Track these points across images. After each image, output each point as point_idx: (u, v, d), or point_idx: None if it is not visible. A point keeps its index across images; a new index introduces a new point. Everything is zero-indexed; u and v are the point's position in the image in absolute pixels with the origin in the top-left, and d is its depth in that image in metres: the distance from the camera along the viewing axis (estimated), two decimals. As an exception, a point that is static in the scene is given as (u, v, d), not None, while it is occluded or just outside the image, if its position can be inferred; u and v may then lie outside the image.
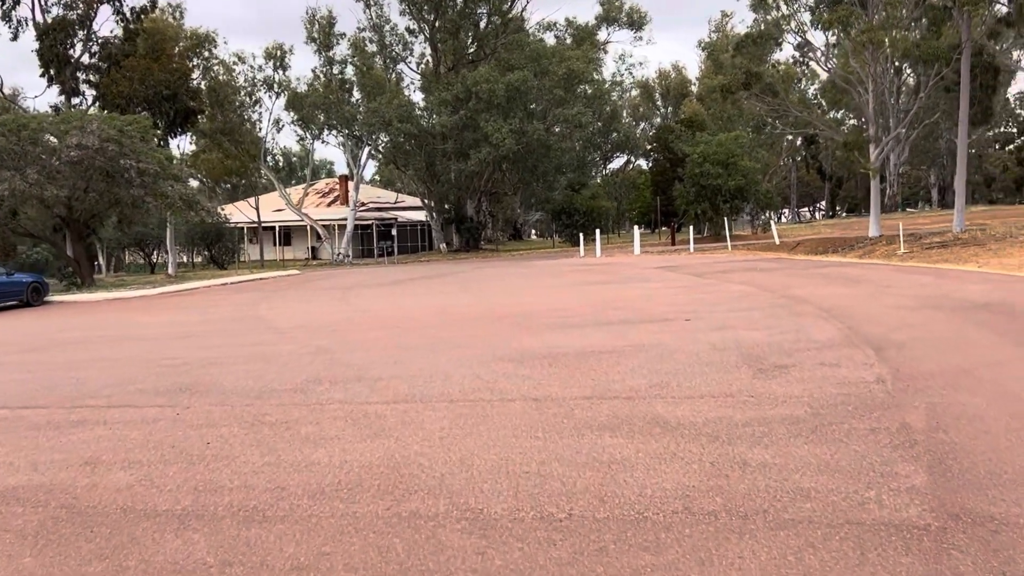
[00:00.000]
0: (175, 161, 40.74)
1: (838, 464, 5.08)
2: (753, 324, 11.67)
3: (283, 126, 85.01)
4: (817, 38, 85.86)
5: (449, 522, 4.54)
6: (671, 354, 9.49)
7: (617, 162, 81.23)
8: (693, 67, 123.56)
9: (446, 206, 56.09)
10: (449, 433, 6.45)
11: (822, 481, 4.79)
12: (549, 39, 58.01)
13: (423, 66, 58.11)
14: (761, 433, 5.92)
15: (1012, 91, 79.43)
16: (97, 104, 43.27)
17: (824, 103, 73.84)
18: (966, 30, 30.40)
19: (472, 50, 55.34)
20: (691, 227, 43.79)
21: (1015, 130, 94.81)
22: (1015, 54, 48.95)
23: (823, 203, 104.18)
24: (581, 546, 4.10)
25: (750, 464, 5.20)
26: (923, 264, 22.84)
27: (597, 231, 40.46)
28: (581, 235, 41.82)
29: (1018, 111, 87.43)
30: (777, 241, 39.37)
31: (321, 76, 55.75)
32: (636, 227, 42.17)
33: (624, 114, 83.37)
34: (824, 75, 68.31)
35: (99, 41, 42.81)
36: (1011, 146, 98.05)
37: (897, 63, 47.04)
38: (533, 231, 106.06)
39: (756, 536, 4.07)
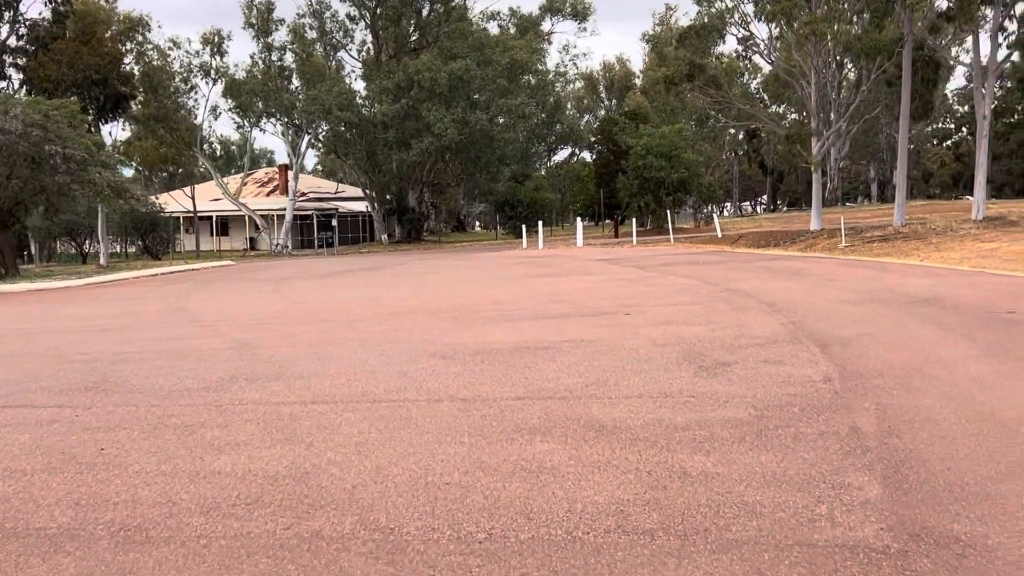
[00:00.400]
0: (105, 148, 39.48)
1: (785, 474, 4.67)
2: (695, 319, 11.31)
3: (220, 113, 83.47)
4: (760, 30, 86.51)
5: (355, 544, 4.03)
6: (610, 350, 9.06)
7: (562, 154, 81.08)
8: (637, 60, 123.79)
9: (388, 197, 55.31)
10: (367, 438, 5.93)
11: (768, 494, 4.36)
12: (493, 29, 57.47)
13: (364, 54, 57.21)
14: (703, 438, 5.49)
15: (950, 87, 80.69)
16: (24, 88, 41.77)
17: (766, 97, 74.32)
18: (908, 24, 30.48)
19: (414, 38, 54.61)
20: (634, 220, 43.60)
21: (952, 126, 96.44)
22: (953, 50, 49.54)
23: (764, 197, 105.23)
24: (499, 574, 3.62)
25: (690, 474, 4.76)
26: (865, 258, 22.78)
27: (540, 223, 40.08)
28: (524, 227, 41.37)
29: (955, 107, 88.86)
30: (719, 234, 39.32)
31: (260, 63, 54.67)
32: (579, 219, 41.85)
33: (568, 106, 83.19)
34: (767, 69, 68.65)
35: (27, 23, 41.37)
36: (948, 142, 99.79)
37: (839, 58, 47.32)
38: (477, 223, 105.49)
39: (696, 561, 3.63)
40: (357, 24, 54.26)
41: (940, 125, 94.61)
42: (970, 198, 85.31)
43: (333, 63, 56.45)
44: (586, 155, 75.07)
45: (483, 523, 4.19)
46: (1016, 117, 72.83)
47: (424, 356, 9.23)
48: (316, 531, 4.21)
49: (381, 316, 13.64)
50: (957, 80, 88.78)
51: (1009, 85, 61.15)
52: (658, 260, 24.99)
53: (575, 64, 71.08)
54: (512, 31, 58.01)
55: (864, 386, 6.73)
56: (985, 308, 10.86)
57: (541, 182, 60.79)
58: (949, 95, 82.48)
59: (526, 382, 7.56)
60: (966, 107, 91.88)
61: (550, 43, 61.24)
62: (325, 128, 53.64)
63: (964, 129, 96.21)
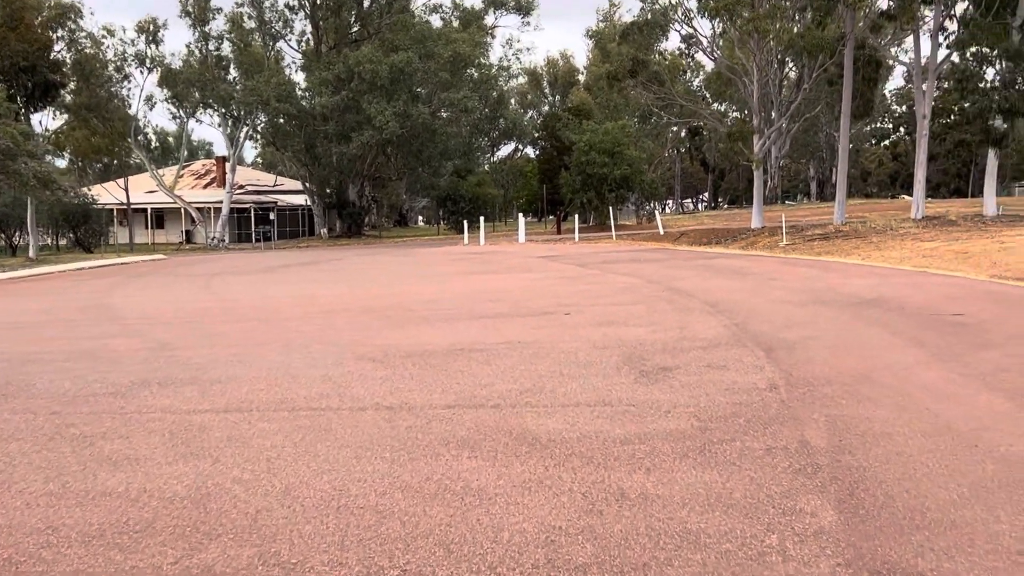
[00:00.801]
0: (33, 137, 38.14)
1: (731, 496, 4.28)
2: (636, 319, 10.96)
3: (155, 103, 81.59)
4: (703, 26, 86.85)
5: (250, 583, 3.56)
6: (547, 353, 8.66)
7: (505, 149, 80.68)
8: (581, 56, 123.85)
9: (328, 190, 54.38)
10: (280, 453, 5.44)
11: (713, 521, 3.97)
12: (436, 21, 56.74)
13: (304, 45, 56.18)
14: (643, 453, 5.09)
15: (889, 87, 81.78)
16: (-53, 75, 40.19)
17: (708, 96, 74.65)
18: (850, 22, 30.56)
19: (356, 29, 53.71)
20: (576, 216, 43.33)
21: (890, 125, 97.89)
22: (893, 50, 50.07)
23: (706, 194, 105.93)
24: (411, 622, 3.17)
25: (629, 496, 4.36)
26: (806, 256, 22.70)
27: (481, 218, 39.58)
28: (465, 223, 40.87)
29: (894, 107, 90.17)
30: (661, 231, 39.23)
31: (196, 52, 53.28)
32: (520, 215, 41.46)
33: (512, 101, 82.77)
34: (710, 67, 68.85)
35: (-51, 7, 39.78)
36: (886, 141, 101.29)
37: (780, 56, 47.53)
38: (420, 218, 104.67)
39: (634, 604, 3.22)
40: (297, 14, 53.25)
41: (878, 125, 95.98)
42: (906, 197, 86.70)
43: (272, 54, 55.28)
44: (530, 151, 74.80)
45: (397, 556, 3.73)
46: (952, 118, 73.91)
47: (352, 359, 8.74)
48: (207, 566, 3.72)
49: (312, 315, 13.09)
50: (896, 80, 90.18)
51: (946, 86, 62.02)
52: (600, 258, 24.69)
53: (518, 59, 70.59)
54: (455, 24, 57.38)
55: (812, 395, 6.40)
56: (931, 310, 10.66)
57: (484, 177, 60.27)
58: (888, 95, 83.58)
59: (458, 388, 7.12)
60: (904, 107, 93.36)
61: (493, 37, 60.75)
62: (263, 119, 52.52)
63: (902, 129, 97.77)
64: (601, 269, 19.84)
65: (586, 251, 28.96)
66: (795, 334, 9.21)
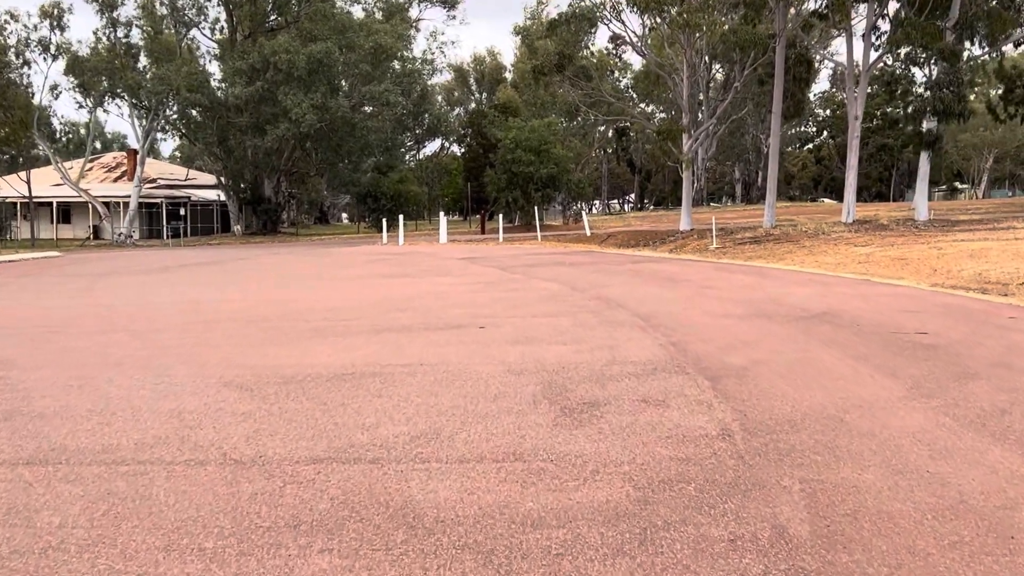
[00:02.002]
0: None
1: (691, 635, 2.90)
2: (559, 335, 9.59)
3: (60, 92, 78.00)
4: (632, 21, 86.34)
5: None
6: (453, 379, 7.24)
7: (432, 147, 79.16)
8: (509, 55, 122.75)
9: (242, 185, 52.14)
10: (66, 539, 3.91)
11: None
12: (358, 12, 54.90)
13: (219, 33, 53.86)
14: (561, 546, 3.69)
15: (814, 90, 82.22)
16: None
17: (636, 96, 74.11)
18: (781, 19, 29.75)
19: (273, 18, 51.58)
20: (500, 216, 41.97)
21: (814, 129, 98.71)
22: (824, 51, 49.77)
23: (633, 195, 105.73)
24: None
25: (540, 633, 2.95)
26: (739, 261, 21.65)
27: (401, 217, 37.89)
28: (384, 221, 39.12)
29: (818, 111, 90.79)
30: (588, 232, 38.07)
31: (104, 39, 50.66)
32: (442, 214, 39.89)
33: (439, 98, 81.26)
34: (639, 65, 68.26)
35: None
36: (810, 145, 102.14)
37: (710, 55, 46.86)
38: (344, 215, 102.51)
39: None
40: (210, 0, 50.90)
41: (802, 128, 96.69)
42: (827, 200, 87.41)
43: (185, 42, 52.91)
44: (457, 149, 73.38)
45: None
46: (875, 122, 74.38)
47: (217, 385, 7.20)
48: None
49: (190, 325, 11.44)
50: (821, 84, 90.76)
51: (870, 91, 62.18)
52: (523, 260, 23.33)
53: (443, 52, 69.09)
54: (379, 16, 55.61)
55: (776, 447, 5.06)
56: (889, 327, 9.48)
57: (407, 174, 58.52)
58: (812, 99, 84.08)
59: (332, 432, 5.64)
60: (827, 111, 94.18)
61: (418, 30, 59.12)
62: (174, 110, 50.13)
63: (825, 132, 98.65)
64: (524, 273, 18.45)
65: (509, 253, 27.59)
66: (742, 357, 7.92)
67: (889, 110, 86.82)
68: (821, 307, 11.32)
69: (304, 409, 6.32)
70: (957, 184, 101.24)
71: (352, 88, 48.62)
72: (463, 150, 62.70)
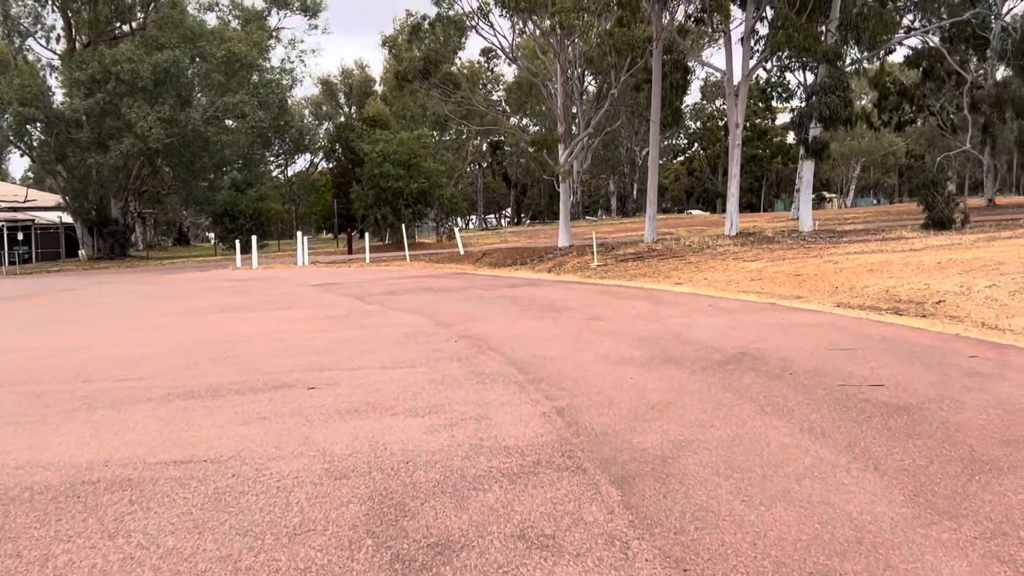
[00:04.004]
0: None
1: None
2: (411, 398, 7.24)
3: None
4: (503, 26, 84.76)
5: None
6: (241, 494, 4.82)
7: (302, 162, 75.92)
8: (378, 68, 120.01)
9: (86, 206, 47.93)
10: None
11: None
12: (212, 21, 51.36)
13: (57, 42, 49.63)
14: None
15: (686, 101, 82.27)
16: None
17: (509, 108, 72.60)
18: (657, 21, 28.18)
19: (117, 25, 47.67)
20: (367, 234, 39.24)
21: (686, 141, 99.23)
22: (696, 59, 49.03)
23: (509, 210, 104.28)
24: None
25: None
26: (625, 282, 19.68)
27: (254, 238, 34.71)
28: (238, 242, 35.89)
29: (689, 122, 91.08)
30: (462, 251, 35.77)
31: (-74, 48, 45.95)
32: (300, 234, 36.84)
33: (306, 112, 78.03)
34: (511, 76, 66.66)
35: None
36: (682, 157, 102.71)
37: (581, 70, 45.41)
38: (211, 235, 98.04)
39: None
40: (46, 6, 46.65)
41: (674, 141, 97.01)
42: (696, 212, 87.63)
43: (20, 54, 48.54)
44: (327, 164, 70.35)
45: None
46: (745, 133, 74.72)
47: None
48: None
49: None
50: (692, 95, 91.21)
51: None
52: (385, 286, 20.84)
53: (303, 61, 65.79)
54: (235, 24, 52.20)
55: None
56: (831, 376, 7.42)
57: (270, 192, 55.17)
58: (685, 110, 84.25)
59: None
60: (698, 123, 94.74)
61: (279, 40, 55.74)
62: (9, 125, 45.75)
63: (696, 144, 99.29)
64: (383, 303, 15.96)
65: (373, 277, 25.04)
66: (657, 435, 5.70)
67: (758, 121, 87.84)
68: (736, 345, 9.25)
69: (-33, 578, 3.82)
70: (825, 193, 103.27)
71: (211, 102, 45.22)
72: (332, 165, 59.80)
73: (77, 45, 46.91)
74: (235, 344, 11.07)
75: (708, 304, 13.71)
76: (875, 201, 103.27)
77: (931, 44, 36.38)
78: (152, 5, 45.91)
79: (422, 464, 5.28)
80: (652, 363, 8.38)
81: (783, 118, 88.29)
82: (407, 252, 36.16)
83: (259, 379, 8.47)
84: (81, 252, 49.08)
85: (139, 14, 46.74)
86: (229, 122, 48.58)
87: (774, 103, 66.33)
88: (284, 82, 51.20)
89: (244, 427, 6.49)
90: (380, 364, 9.06)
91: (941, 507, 4.18)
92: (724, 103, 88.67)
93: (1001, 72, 38.26)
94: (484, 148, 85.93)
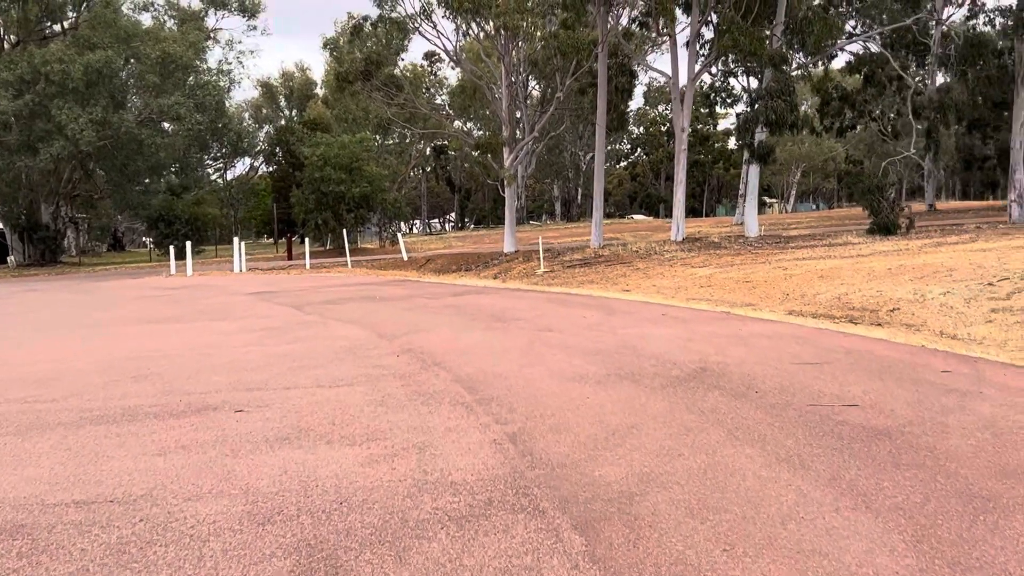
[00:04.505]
0: None
1: None
2: (348, 422, 6.62)
3: None
4: (447, 28, 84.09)
5: None
6: (148, 547, 4.19)
7: (242, 166, 74.54)
8: (320, 70, 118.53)
9: (15, 210, 46.26)
10: None
11: None
12: (147, 21, 49.98)
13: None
14: None
15: (630, 107, 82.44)
16: None
17: (453, 112, 72.00)
18: (603, 23, 27.79)
19: (48, 25, 46.14)
20: (307, 240, 38.32)
21: (629, 146, 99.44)
22: (642, 61, 48.96)
23: (453, 214, 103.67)
24: None
25: None
26: (573, 289, 19.20)
27: (188, 244, 33.65)
28: (172, 249, 34.74)
29: (632, 127, 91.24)
30: (405, 257, 35.07)
31: None
32: (236, 239, 35.82)
33: (246, 116, 76.74)
34: (455, 80, 66.07)
35: None
36: (625, 162, 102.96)
37: (526, 74, 45.04)
38: (148, 240, 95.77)
39: None
40: (-29, 6, 44.96)
41: (618, 146, 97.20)
42: (638, 216, 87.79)
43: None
44: (267, 168, 69.13)
45: None
46: (689, 138, 75.11)
47: None
48: None
49: None
50: (636, 100, 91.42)
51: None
52: (325, 294, 20.10)
53: (240, 62, 64.49)
54: (171, 24, 50.87)
55: None
56: (799, 393, 6.96)
57: (207, 196, 53.83)
58: (628, 115, 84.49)
59: None
60: (641, 128, 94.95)
61: (217, 41, 54.49)
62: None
63: (640, 150, 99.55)
64: (321, 313, 15.25)
65: (312, 284, 24.25)
66: (621, 468, 5.16)
67: (700, 127, 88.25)
68: (694, 359, 8.76)
69: None
70: (766, 198, 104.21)
71: (146, 104, 43.90)
72: (272, 169, 58.64)
73: (5, 45, 45.31)
74: (159, 360, 10.33)
75: (661, 313, 13.25)
76: (815, 206, 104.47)
77: (873, 50, 36.62)
78: (84, 4, 44.50)
79: (358, 505, 4.68)
80: (608, 380, 7.85)
81: (724, 124, 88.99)
82: (349, 258, 35.35)
83: (182, 400, 7.78)
84: (10, 259, 47.40)
85: (71, 13, 45.29)
86: (165, 124, 47.33)
87: (718, 108, 66.62)
88: (222, 84, 49.98)
89: (160, 458, 5.82)
90: (316, 382, 8.42)
91: (950, 557, 3.69)
92: (667, 108, 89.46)
93: (940, 78, 38.62)
94: (428, 152, 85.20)
